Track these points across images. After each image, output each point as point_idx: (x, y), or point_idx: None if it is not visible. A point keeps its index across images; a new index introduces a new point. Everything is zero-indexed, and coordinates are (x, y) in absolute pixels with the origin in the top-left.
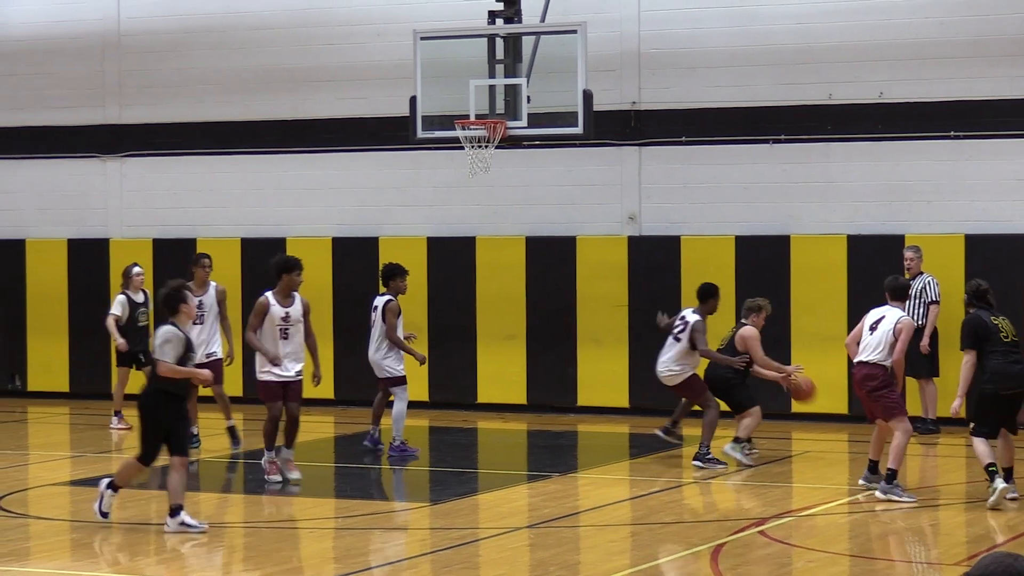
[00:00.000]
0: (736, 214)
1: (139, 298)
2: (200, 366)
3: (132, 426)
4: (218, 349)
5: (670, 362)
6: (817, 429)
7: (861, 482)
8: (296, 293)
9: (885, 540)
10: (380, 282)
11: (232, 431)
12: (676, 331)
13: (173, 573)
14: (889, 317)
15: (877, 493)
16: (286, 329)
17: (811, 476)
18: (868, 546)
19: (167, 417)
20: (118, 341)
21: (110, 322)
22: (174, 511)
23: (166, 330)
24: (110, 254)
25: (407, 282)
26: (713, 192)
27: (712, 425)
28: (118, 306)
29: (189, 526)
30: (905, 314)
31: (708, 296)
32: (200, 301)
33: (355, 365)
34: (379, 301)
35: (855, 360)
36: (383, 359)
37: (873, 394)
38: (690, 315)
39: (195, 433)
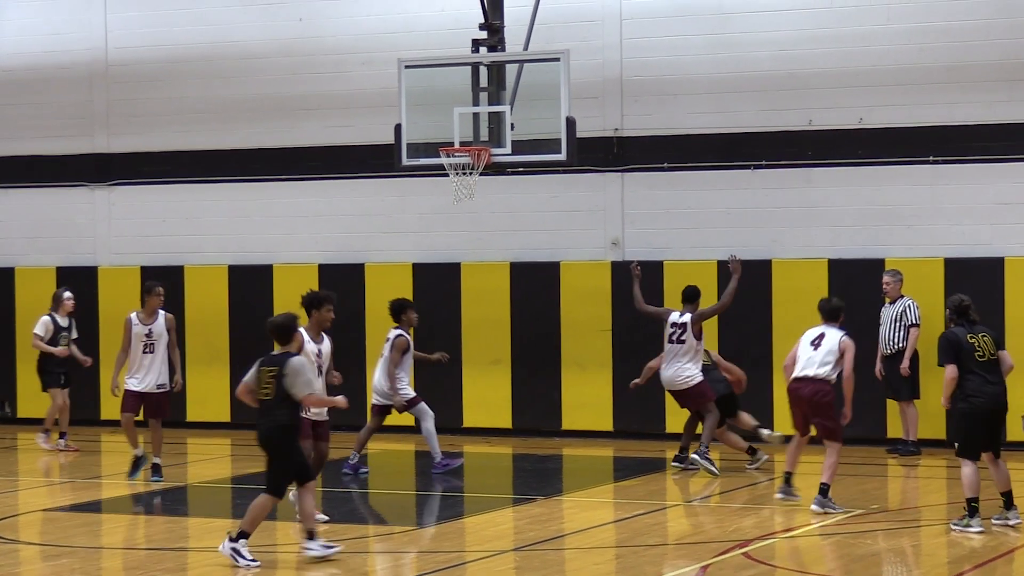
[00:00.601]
0: (718, 239)
1: (64, 322)
2: (150, 397)
3: (80, 449)
4: (167, 380)
5: (681, 367)
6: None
7: (779, 496)
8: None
9: (867, 561)
10: (391, 317)
11: (157, 467)
12: (675, 336)
13: None
14: (830, 335)
15: (813, 507)
16: (320, 365)
17: None
18: (850, 567)
19: (296, 449)
20: (55, 349)
21: (36, 342)
22: (311, 535)
23: (300, 361)
24: (99, 281)
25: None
26: (695, 217)
27: (713, 428)
28: (41, 326)
29: (327, 547)
30: (844, 334)
31: (696, 297)
32: (150, 330)
33: (340, 391)
34: (391, 335)
35: (796, 376)
36: (390, 388)
37: (823, 409)
38: (682, 316)
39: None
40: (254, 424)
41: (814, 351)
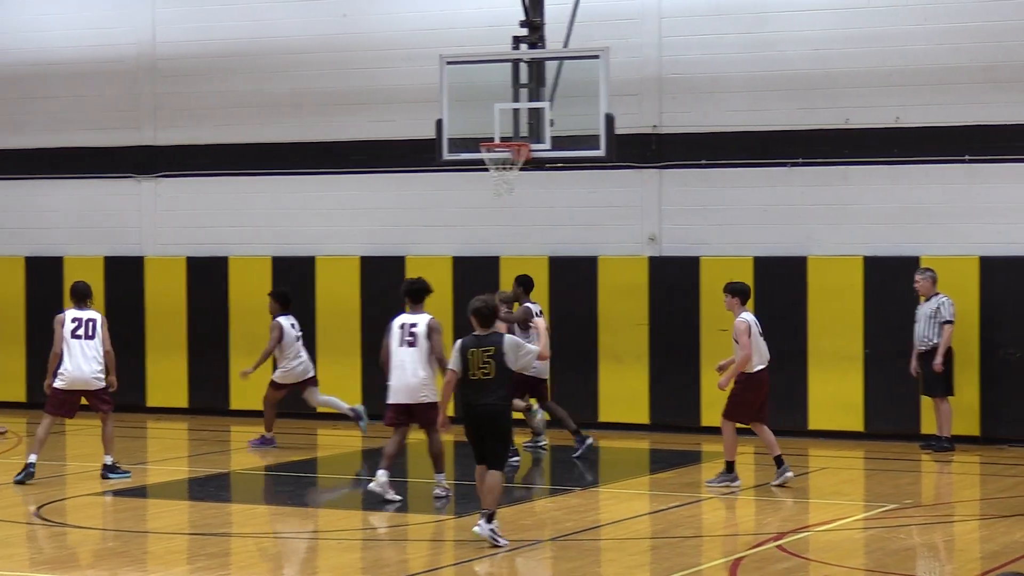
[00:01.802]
0: (754, 235)
1: None
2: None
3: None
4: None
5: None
6: (834, 446)
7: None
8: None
9: (901, 556)
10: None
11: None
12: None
13: None
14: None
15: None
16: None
17: (828, 492)
18: (884, 561)
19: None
20: None
21: None
22: (490, 517)
23: (512, 336)
24: (145, 272)
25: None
26: (732, 214)
27: None
28: None
29: (496, 537)
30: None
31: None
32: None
33: (383, 382)
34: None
35: (763, 367)
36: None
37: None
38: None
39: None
40: (295, 413)
41: (763, 341)
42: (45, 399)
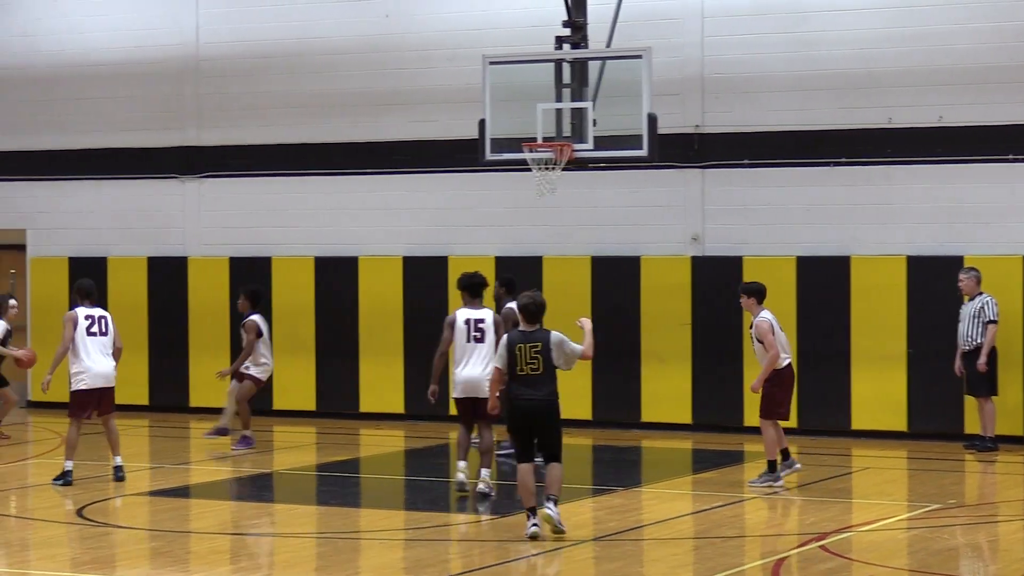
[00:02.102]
0: (797, 235)
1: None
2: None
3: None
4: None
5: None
6: (877, 446)
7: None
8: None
9: (944, 556)
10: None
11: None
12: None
13: None
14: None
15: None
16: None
17: (871, 492)
18: (927, 562)
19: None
20: (18, 352)
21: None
22: (556, 501)
23: (558, 332)
24: (188, 272)
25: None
26: (775, 214)
27: None
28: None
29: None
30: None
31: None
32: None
33: (426, 381)
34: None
35: (789, 360)
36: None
37: None
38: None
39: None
40: (338, 413)
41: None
42: (39, 395)
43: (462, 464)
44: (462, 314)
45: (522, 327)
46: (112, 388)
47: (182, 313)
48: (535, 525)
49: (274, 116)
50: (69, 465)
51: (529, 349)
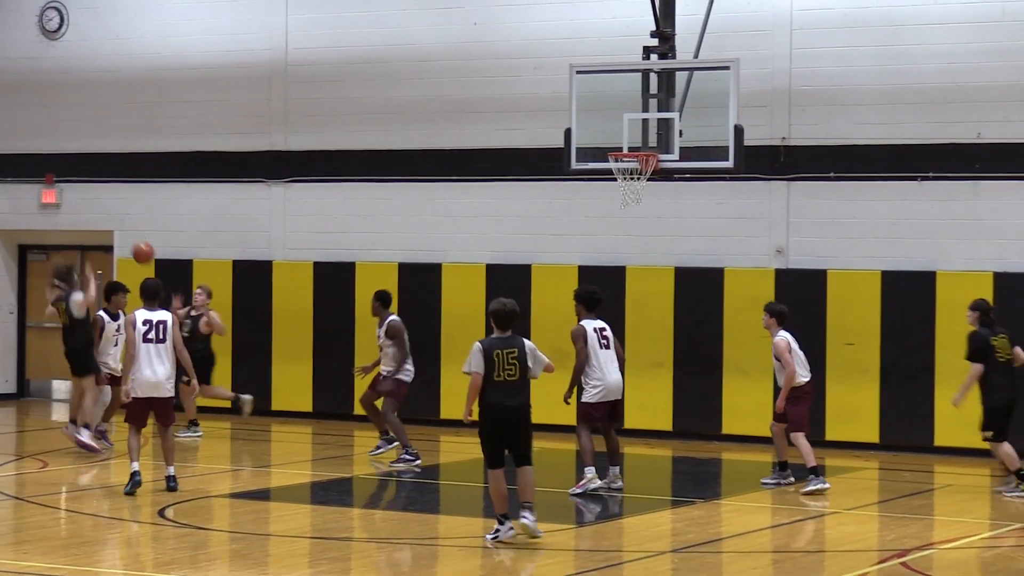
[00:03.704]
0: (883, 249)
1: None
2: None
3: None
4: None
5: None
6: (960, 463)
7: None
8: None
9: None
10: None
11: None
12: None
13: None
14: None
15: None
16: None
17: (953, 509)
18: None
19: None
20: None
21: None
22: (529, 507)
23: (535, 347)
24: (273, 276)
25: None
26: (860, 227)
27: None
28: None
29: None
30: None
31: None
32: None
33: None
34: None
35: (807, 379)
36: None
37: None
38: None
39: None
40: (419, 419)
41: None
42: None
43: (592, 470)
44: (591, 324)
45: (496, 334)
46: (166, 399)
47: (266, 316)
48: (500, 531)
49: (361, 122)
50: (135, 466)
51: (507, 355)
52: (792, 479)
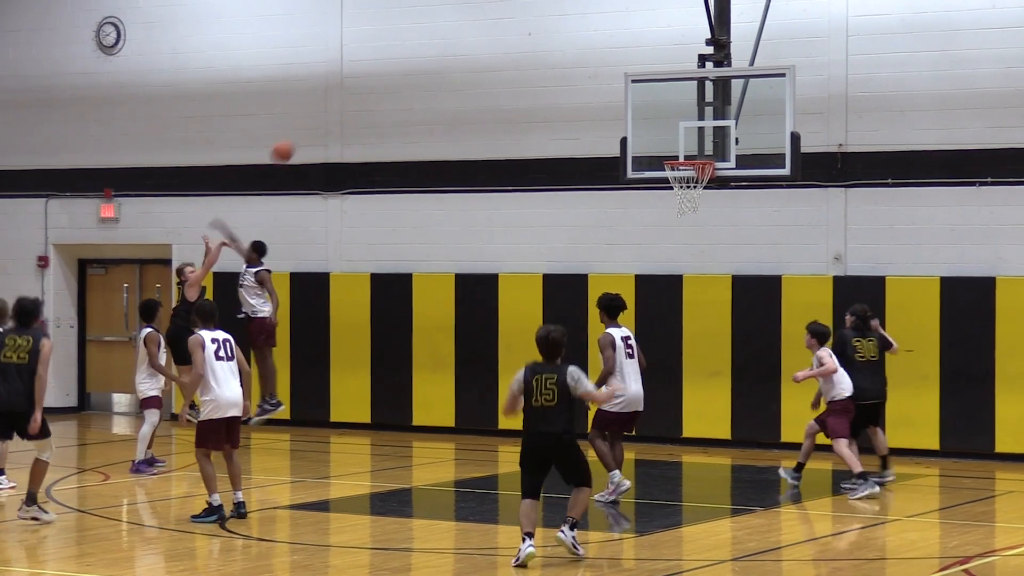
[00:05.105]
0: (941, 255)
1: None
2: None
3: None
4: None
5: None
6: (1021, 469)
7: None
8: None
9: None
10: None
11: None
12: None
13: None
14: None
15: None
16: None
17: (1015, 516)
18: None
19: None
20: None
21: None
22: (573, 525)
23: (577, 368)
24: (330, 287)
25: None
26: (918, 234)
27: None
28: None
29: (576, 545)
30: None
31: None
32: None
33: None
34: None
35: (848, 395)
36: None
37: None
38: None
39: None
40: (477, 429)
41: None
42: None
43: (618, 473)
44: (618, 332)
45: (540, 361)
46: (239, 418)
47: (324, 328)
48: (527, 548)
49: (417, 133)
50: (216, 500)
51: (545, 380)
52: (798, 480)
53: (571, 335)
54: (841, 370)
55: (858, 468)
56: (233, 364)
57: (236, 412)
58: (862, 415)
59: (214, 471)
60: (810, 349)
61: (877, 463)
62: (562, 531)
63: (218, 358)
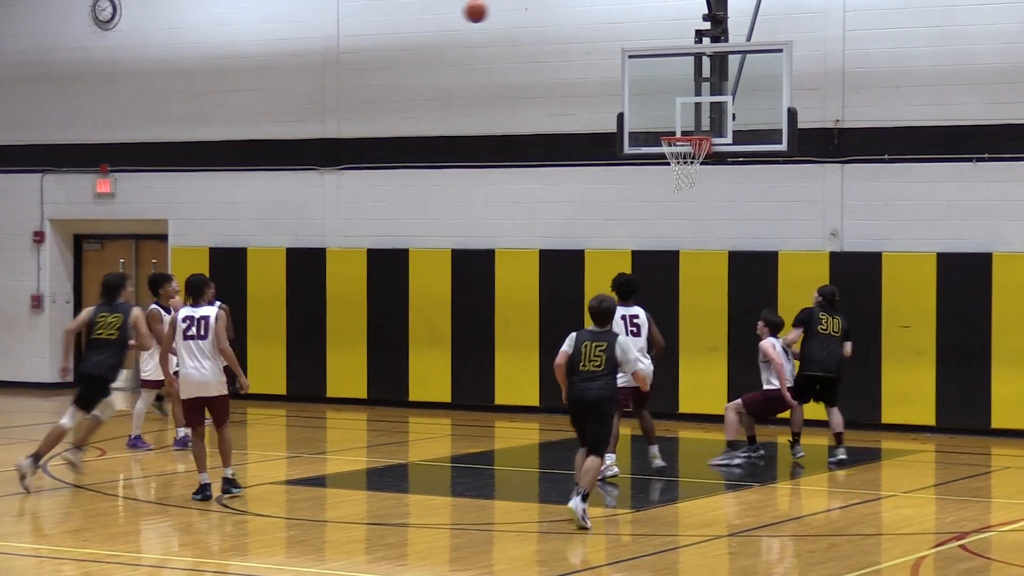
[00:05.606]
0: (938, 231)
1: None
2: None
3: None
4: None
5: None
6: (1018, 445)
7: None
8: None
9: None
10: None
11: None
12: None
13: (380, 572)
14: None
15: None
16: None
17: (1011, 492)
18: None
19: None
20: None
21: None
22: (585, 496)
23: (627, 339)
24: (326, 263)
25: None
26: (915, 209)
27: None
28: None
29: (585, 517)
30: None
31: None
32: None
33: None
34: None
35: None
36: None
37: None
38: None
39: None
40: (473, 405)
41: None
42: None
43: (613, 457)
44: (619, 311)
45: (591, 328)
46: (216, 397)
47: (320, 303)
48: (573, 501)
49: (413, 109)
50: (204, 478)
51: (594, 347)
52: (761, 452)
53: (567, 311)
54: (787, 365)
55: (730, 437)
56: (204, 343)
57: (201, 393)
58: (813, 388)
59: (203, 449)
60: (759, 335)
61: (832, 440)
62: (573, 501)
63: (186, 336)
